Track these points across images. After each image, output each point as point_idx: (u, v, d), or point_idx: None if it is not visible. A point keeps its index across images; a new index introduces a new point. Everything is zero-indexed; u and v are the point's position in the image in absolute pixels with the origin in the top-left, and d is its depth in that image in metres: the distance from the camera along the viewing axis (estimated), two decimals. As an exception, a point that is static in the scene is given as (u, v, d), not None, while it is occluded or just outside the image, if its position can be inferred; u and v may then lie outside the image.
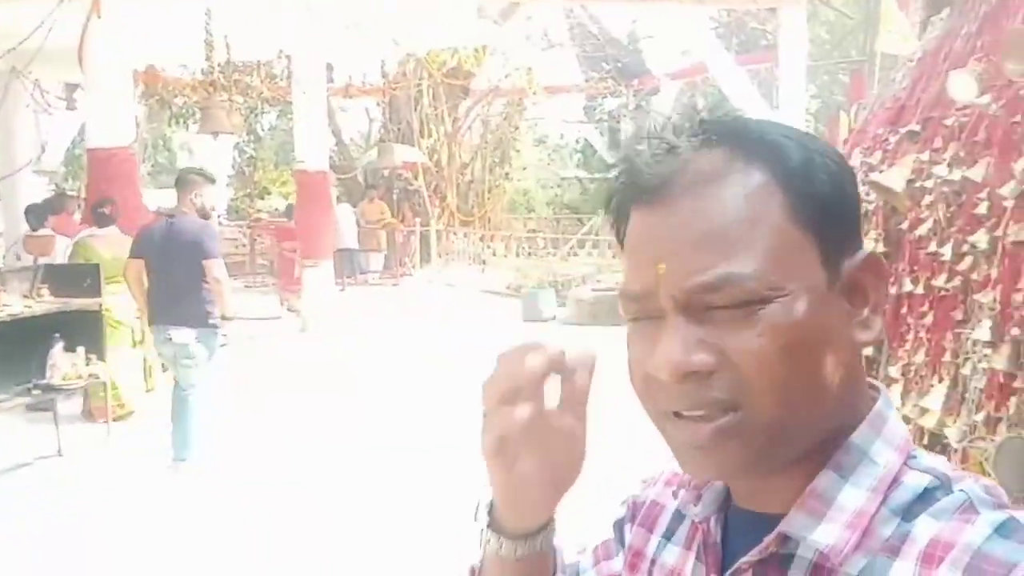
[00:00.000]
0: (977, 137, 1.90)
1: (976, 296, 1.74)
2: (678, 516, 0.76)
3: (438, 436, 5.66)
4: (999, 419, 1.49)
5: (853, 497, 0.61)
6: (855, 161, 6.28)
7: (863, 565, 0.59)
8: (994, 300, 1.53)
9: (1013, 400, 1.46)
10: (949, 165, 1.99)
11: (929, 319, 2.21)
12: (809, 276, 0.61)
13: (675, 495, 0.76)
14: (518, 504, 0.72)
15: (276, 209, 17.77)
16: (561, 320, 11.33)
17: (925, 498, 0.60)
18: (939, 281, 2.06)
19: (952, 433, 1.64)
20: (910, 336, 2.39)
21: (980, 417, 1.55)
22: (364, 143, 20.48)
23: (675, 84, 16.40)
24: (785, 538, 0.62)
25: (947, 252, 1.94)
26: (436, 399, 6.80)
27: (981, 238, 1.71)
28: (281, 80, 14.07)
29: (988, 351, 1.54)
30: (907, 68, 3.69)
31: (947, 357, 1.96)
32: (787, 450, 0.62)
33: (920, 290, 2.28)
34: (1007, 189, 1.41)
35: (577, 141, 22.42)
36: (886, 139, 2.91)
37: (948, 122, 2.19)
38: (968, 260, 1.85)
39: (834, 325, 0.62)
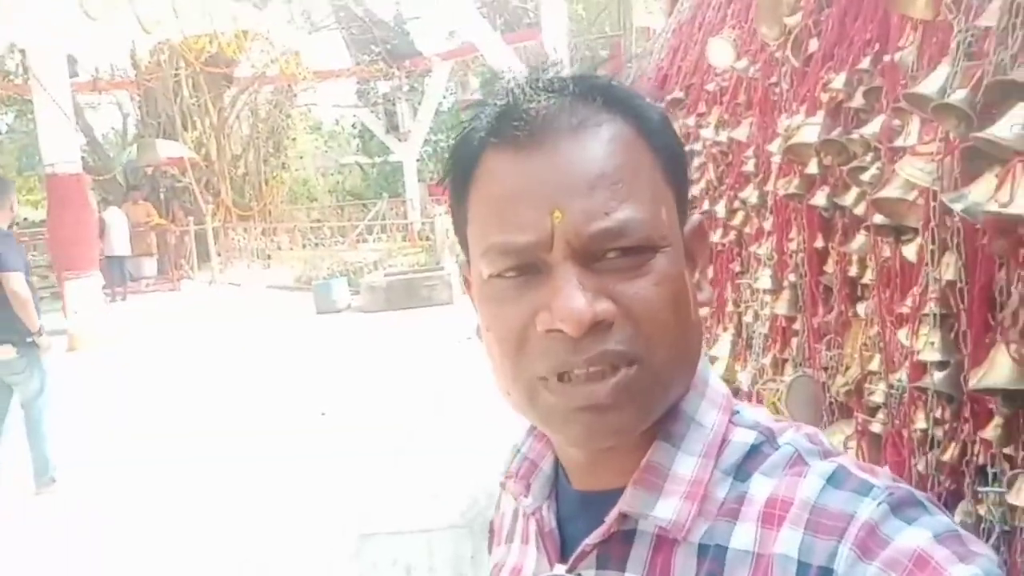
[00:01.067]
0: (739, 100, 2.02)
1: (752, 248, 1.86)
2: (514, 515, 0.74)
3: (246, 444, 5.39)
4: (785, 360, 1.60)
5: (686, 465, 0.60)
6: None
7: (703, 530, 0.58)
8: (770, 251, 1.64)
9: (795, 341, 1.58)
10: (716, 128, 2.12)
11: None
12: (675, 231, 0.60)
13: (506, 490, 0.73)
14: None
15: (26, 219, 16.03)
16: (356, 308, 11.13)
17: (753, 455, 0.60)
18: (715, 237, 2.20)
19: (744, 377, 1.75)
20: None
21: (767, 360, 1.66)
22: (120, 140, 18.94)
23: (446, 64, 16.50)
24: (625, 515, 0.60)
25: (721, 209, 2.07)
26: (231, 401, 6.46)
27: (751, 194, 1.83)
28: (16, 77, 12.63)
29: (769, 299, 1.65)
30: (663, 39, 3.92)
31: (730, 307, 2.10)
32: (662, 408, 0.60)
33: (698, 247, 2.42)
34: (774, 146, 1.51)
35: (353, 126, 22.03)
36: (653, 106, 3.06)
37: (710, 87, 2.34)
38: (740, 215, 1.98)
39: (689, 283, 0.61)
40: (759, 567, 0.55)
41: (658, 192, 0.59)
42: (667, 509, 0.59)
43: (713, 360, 2.17)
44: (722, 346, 2.12)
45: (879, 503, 0.53)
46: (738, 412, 0.63)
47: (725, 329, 2.17)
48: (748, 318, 1.95)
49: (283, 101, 16.92)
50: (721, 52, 2.14)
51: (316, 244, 15.37)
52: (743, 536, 0.56)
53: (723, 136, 2.07)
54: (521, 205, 0.58)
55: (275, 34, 14.34)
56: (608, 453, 0.62)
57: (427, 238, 13.99)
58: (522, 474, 0.70)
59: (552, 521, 0.68)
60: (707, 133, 2.17)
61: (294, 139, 18.46)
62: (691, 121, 2.45)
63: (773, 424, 0.62)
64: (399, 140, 17.88)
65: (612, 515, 0.60)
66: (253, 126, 16.95)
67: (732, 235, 2.07)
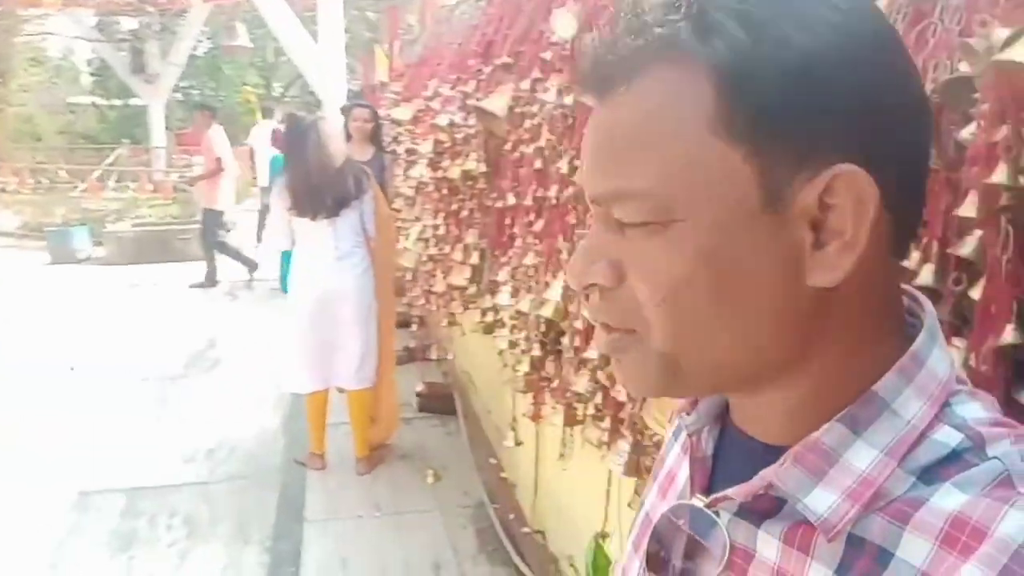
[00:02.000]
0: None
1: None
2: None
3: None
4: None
5: (863, 458, 0.52)
6: (389, 93, 6.62)
7: (860, 520, 0.51)
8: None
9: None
10: (561, 92, 2.32)
11: (539, 226, 2.58)
12: (729, 197, 0.50)
13: None
14: None
15: None
16: (98, 260, 10.25)
17: (951, 461, 0.50)
18: (552, 192, 2.41)
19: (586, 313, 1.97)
20: (517, 243, 2.76)
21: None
22: None
23: (205, 7, 15.44)
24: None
25: (564, 166, 2.28)
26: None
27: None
28: None
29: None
30: (474, 7, 4.09)
31: (564, 256, 2.32)
32: (700, 382, 0.56)
33: (528, 202, 2.63)
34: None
35: (89, 63, 19.96)
36: (479, 70, 3.22)
37: (546, 55, 2.54)
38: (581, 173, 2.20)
39: (762, 257, 0.51)
40: None
41: (698, 153, 0.50)
42: (822, 502, 0.52)
43: (543, 303, 2.41)
44: (554, 291, 2.35)
45: None
46: (950, 405, 0.53)
47: (555, 276, 2.39)
48: (583, 265, 2.18)
49: (13, 25, 14.96)
50: (565, 23, 2.35)
51: (48, 188, 13.84)
52: (914, 548, 0.48)
53: (568, 100, 2.28)
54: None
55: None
56: (758, 405, 0.58)
57: (183, 189, 13.12)
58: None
59: (709, 447, 0.64)
60: (549, 97, 2.36)
61: (26, 70, 16.41)
62: (526, 85, 2.65)
63: (986, 428, 0.51)
64: (146, 83, 16.49)
65: (763, 477, 0.54)
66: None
67: (571, 190, 2.29)
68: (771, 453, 0.55)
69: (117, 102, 19.67)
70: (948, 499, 0.48)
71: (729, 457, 0.63)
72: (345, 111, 5.88)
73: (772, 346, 0.53)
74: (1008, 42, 0.80)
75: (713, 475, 0.63)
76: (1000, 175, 0.82)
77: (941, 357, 0.55)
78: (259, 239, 11.32)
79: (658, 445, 1.81)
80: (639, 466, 1.83)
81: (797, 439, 0.54)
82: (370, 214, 4.02)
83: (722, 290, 0.52)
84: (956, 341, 0.92)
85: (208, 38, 18.24)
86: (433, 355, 4.87)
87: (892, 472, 0.51)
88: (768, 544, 0.55)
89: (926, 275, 0.95)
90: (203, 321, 7.40)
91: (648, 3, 0.53)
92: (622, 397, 1.87)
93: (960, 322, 0.93)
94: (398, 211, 4.89)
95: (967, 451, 0.50)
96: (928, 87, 0.95)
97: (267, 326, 6.84)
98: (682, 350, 0.53)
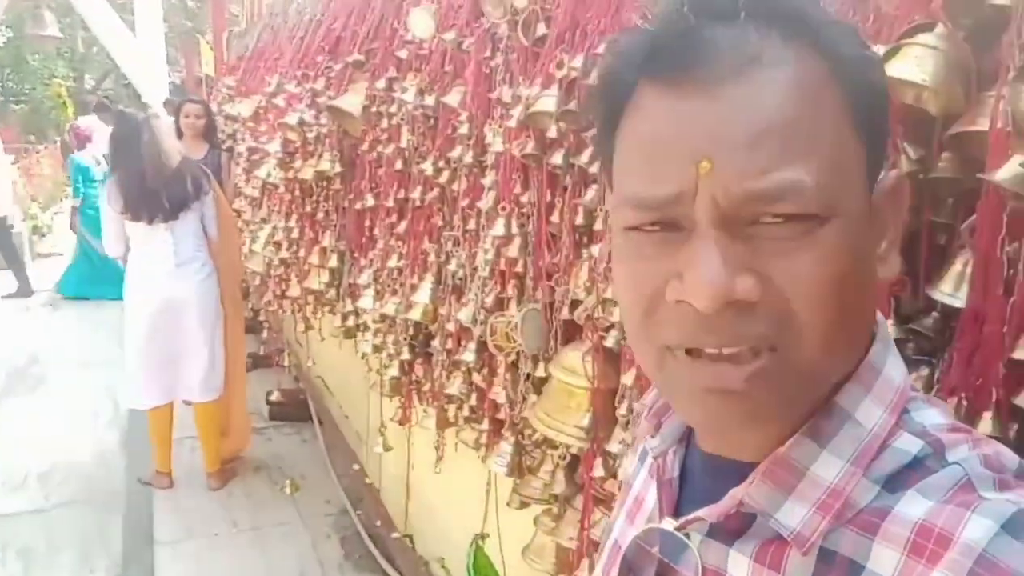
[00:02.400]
0: (445, 68, 2.22)
1: (462, 204, 2.09)
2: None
3: None
4: (508, 298, 1.86)
5: (829, 469, 0.52)
6: (222, 87, 6.34)
7: (829, 533, 0.51)
8: (492, 204, 1.87)
9: (516, 282, 1.84)
10: (421, 92, 2.29)
11: (402, 228, 2.54)
12: (859, 195, 0.51)
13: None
14: None
15: None
16: None
17: (913, 468, 0.51)
18: (415, 194, 2.38)
19: (464, 315, 1.97)
20: (379, 245, 2.71)
21: (490, 299, 1.90)
22: None
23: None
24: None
25: (428, 167, 2.26)
26: None
27: (464, 154, 2.05)
28: None
29: (490, 246, 1.88)
30: (313, 1, 3.96)
31: (432, 258, 2.30)
32: (805, 403, 0.53)
33: (390, 203, 2.59)
34: (515, 112, 1.73)
35: None
36: (328, 67, 3.13)
37: (402, 54, 2.50)
38: (446, 174, 2.19)
39: (870, 257, 0.53)
40: None
41: (842, 149, 0.50)
42: (793, 516, 0.52)
43: (410, 306, 2.38)
44: (422, 293, 2.32)
45: None
46: (908, 412, 0.54)
47: (421, 279, 2.37)
48: (452, 266, 2.17)
49: None
50: (423, 23, 2.32)
51: None
52: (883, 560, 0.48)
53: (430, 100, 2.26)
54: (667, 152, 0.50)
55: None
56: (739, 436, 0.57)
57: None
58: (656, 410, 0.66)
59: (675, 470, 0.63)
60: (408, 97, 2.33)
61: None
62: (381, 84, 2.60)
63: (945, 434, 0.52)
64: (-66, 73, 14.90)
65: (733, 497, 0.54)
66: None
67: (436, 192, 2.27)
68: (739, 469, 0.55)
69: None
70: (913, 507, 0.49)
71: (696, 478, 0.62)
72: (173, 106, 5.54)
73: (858, 350, 0.54)
74: (885, 58, 0.86)
75: (681, 497, 0.62)
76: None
77: (895, 365, 0.56)
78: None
79: (538, 444, 1.83)
80: (521, 466, 1.84)
81: (763, 454, 0.54)
82: (211, 216, 3.79)
83: (861, 291, 0.51)
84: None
85: (8, 27, 16.67)
86: (284, 361, 4.70)
87: (858, 482, 0.51)
88: (739, 564, 0.55)
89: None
90: (21, 335, 6.78)
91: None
92: (501, 399, 1.88)
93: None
94: (240, 212, 4.68)
95: (928, 457, 0.51)
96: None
97: (96, 338, 6.37)
98: (827, 362, 0.51)
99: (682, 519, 0.58)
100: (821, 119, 0.49)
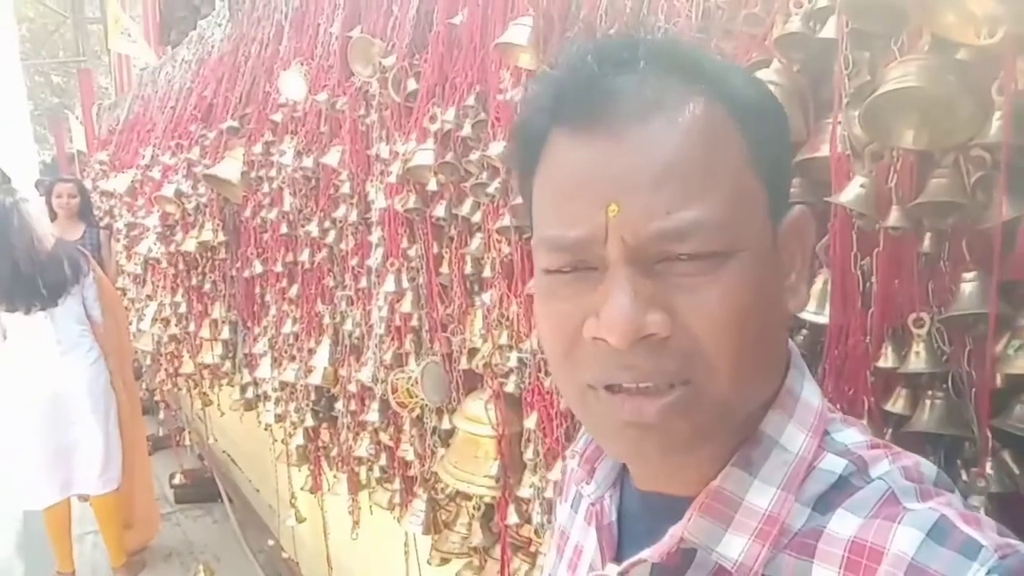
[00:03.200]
0: (321, 129, 2.21)
1: (352, 262, 2.07)
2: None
3: None
4: (407, 353, 1.84)
5: (762, 497, 0.54)
6: (95, 163, 6.15)
7: (769, 560, 0.53)
8: (380, 261, 1.86)
9: (410, 337, 1.83)
10: (299, 154, 2.27)
11: (294, 292, 2.49)
12: (762, 231, 0.53)
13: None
14: None
15: None
16: None
17: (840, 487, 0.53)
18: (304, 256, 2.35)
19: (364, 375, 1.94)
20: (272, 312, 2.65)
21: (389, 356, 1.88)
22: None
23: None
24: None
25: (314, 229, 2.23)
26: None
27: (348, 212, 2.03)
28: None
29: (383, 303, 1.87)
30: (183, 70, 3.89)
31: (327, 320, 2.27)
32: (726, 429, 0.55)
33: (279, 268, 2.54)
34: (394, 167, 1.74)
35: None
36: (203, 135, 3.07)
37: (276, 117, 2.48)
38: (332, 234, 2.17)
39: (776, 290, 0.55)
40: None
41: (742, 187, 0.51)
42: (734, 547, 0.53)
43: (310, 370, 2.33)
44: (321, 356, 2.28)
45: (989, 571, 0.46)
46: (829, 434, 0.56)
47: (318, 342, 2.33)
48: (348, 326, 2.15)
49: None
50: (294, 85, 2.31)
51: None
52: None
53: (308, 162, 2.24)
54: (577, 196, 0.52)
55: None
56: (665, 468, 0.58)
57: None
58: (588, 456, 0.66)
59: (613, 514, 0.64)
60: (287, 160, 2.31)
61: None
62: (258, 148, 2.56)
63: (866, 451, 0.55)
64: None
65: (673, 536, 0.55)
66: None
67: (324, 252, 2.25)
68: (675, 505, 0.56)
69: None
70: (843, 525, 0.51)
71: (634, 520, 0.63)
72: (44, 187, 5.31)
73: (771, 380, 0.56)
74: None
75: (621, 541, 0.63)
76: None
77: (811, 389, 0.58)
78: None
79: (452, 498, 1.81)
80: (436, 521, 1.82)
81: (698, 486, 0.55)
82: (93, 298, 3.62)
83: (766, 324, 0.53)
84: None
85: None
86: (186, 440, 4.51)
87: (791, 507, 0.53)
88: None
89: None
90: None
91: (634, 49, 0.53)
92: (409, 456, 1.86)
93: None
94: (125, 291, 4.50)
95: (852, 475, 0.53)
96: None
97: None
98: (738, 394, 0.52)
99: (625, 563, 0.58)
100: (720, 160, 0.51)
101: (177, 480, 4.64)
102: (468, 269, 1.65)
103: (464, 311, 1.68)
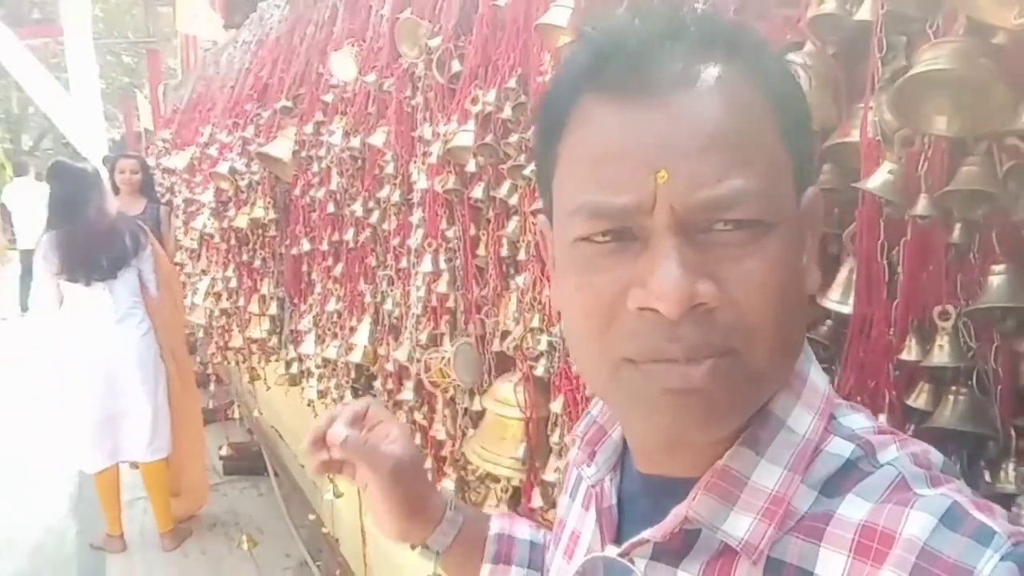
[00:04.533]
0: (369, 110, 2.23)
1: (394, 242, 2.09)
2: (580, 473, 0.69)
3: None
4: (441, 334, 1.85)
5: (769, 476, 0.53)
6: (158, 140, 6.30)
7: (775, 543, 0.52)
8: (420, 241, 1.87)
9: (447, 317, 1.84)
10: (347, 134, 2.30)
11: (339, 271, 2.53)
12: (791, 205, 0.53)
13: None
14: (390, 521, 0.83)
15: None
16: None
17: (848, 471, 0.53)
18: (349, 236, 2.38)
19: (400, 354, 1.96)
20: (317, 290, 2.69)
21: (424, 336, 1.89)
22: None
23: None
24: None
25: (358, 209, 2.25)
26: None
27: (392, 193, 2.05)
28: None
29: (421, 282, 1.88)
30: (243, 51, 3.97)
31: (369, 299, 2.29)
32: (756, 406, 0.54)
33: (325, 247, 2.58)
34: (435, 148, 1.75)
35: None
36: (257, 114, 3.13)
37: (327, 98, 2.51)
38: (376, 214, 2.19)
39: (801, 266, 0.55)
40: None
41: (777, 159, 0.52)
42: (740, 526, 0.53)
43: (351, 348, 2.36)
44: (361, 335, 2.31)
45: (1003, 557, 0.45)
46: (836, 418, 0.56)
47: (360, 320, 2.36)
48: (388, 306, 2.17)
49: None
50: (345, 66, 2.34)
51: None
52: (831, 564, 0.50)
53: (355, 142, 2.26)
54: (622, 161, 0.50)
55: None
56: (687, 445, 0.56)
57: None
58: (589, 439, 0.66)
59: (613, 497, 0.64)
60: (335, 140, 2.33)
61: None
62: (309, 128, 2.60)
63: (873, 436, 0.55)
64: None
65: (677, 515, 0.55)
66: None
67: (368, 232, 2.27)
68: (679, 487, 0.56)
69: None
70: (854, 509, 0.50)
71: (635, 503, 0.62)
72: (109, 163, 5.47)
73: (797, 358, 0.56)
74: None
75: (621, 524, 0.62)
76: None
77: (818, 374, 0.58)
78: (23, 307, 10.28)
79: (481, 479, 1.82)
80: (466, 502, 1.83)
81: (703, 468, 0.55)
82: (149, 272, 3.75)
83: (799, 297, 0.53)
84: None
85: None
86: (235, 414, 4.62)
87: (797, 488, 0.53)
88: None
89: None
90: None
91: (682, 20, 0.54)
92: (441, 436, 1.87)
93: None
94: (182, 265, 4.62)
95: (861, 460, 0.53)
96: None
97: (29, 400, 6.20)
98: (776, 365, 0.53)
99: (626, 543, 0.58)
100: (760, 131, 0.51)
101: (224, 452, 4.76)
102: (504, 251, 1.65)
103: (499, 293, 1.68)
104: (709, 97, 0.50)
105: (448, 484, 1.83)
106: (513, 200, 1.57)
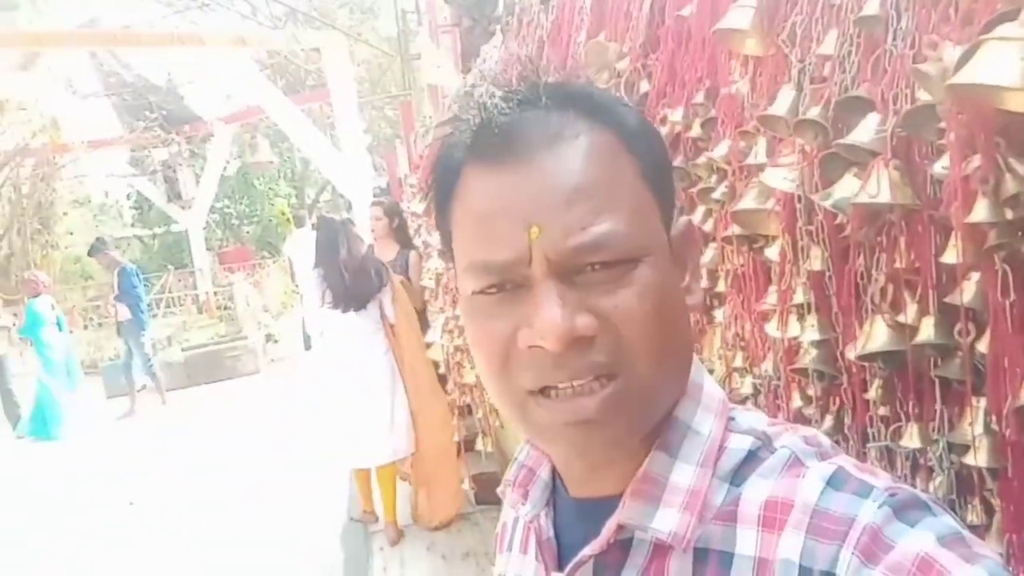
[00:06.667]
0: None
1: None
2: (514, 524, 0.75)
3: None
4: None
5: (684, 474, 0.60)
6: (406, 186, 6.67)
7: (699, 534, 0.58)
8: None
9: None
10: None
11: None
12: (659, 238, 0.60)
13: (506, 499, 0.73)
14: None
15: None
16: (153, 388, 10.40)
17: (750, 460, 0.60)
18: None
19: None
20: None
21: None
22: None
23: (229, 128, 15.99)
24: (623, 526, 0.60)
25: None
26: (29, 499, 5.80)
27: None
28: None
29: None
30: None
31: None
32: (652, 419, 0.61)
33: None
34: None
35: (128, 196, 20.68)
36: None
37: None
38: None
39: (678, 289, 0.62)
40: (762, 572, 0.55)
41: (640, 200, 0.59)
42: (666, 521, 0.58)
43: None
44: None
45: (880, 505, 0.52)
46: (734, 418, 0.63)
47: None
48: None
49: (49, 174, 15.63)
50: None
51: (99, 324, 14.22)
52: (746, 541, 0.56)
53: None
54: (498, 222, 0.57)
55: (35, 103, 13.31)
56: (605, 462, 0.62)
57: (224, 307, 13.37)
58: (520, 482, 0.71)
59: (550, 529, 0.68)
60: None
61: (65, 214, 17.04)
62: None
63: (769, 428, 0.62)
64: (182, 208, 16.98)
65: (610, 526, 0.60)
66: (16, 203, 15.52)
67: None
68: (608, 506, 0.61)
69: (158, 230, 20.28)
70: (755, 489, 0.58)
71: (570, 530, 0.67)
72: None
73: (684, 372, 0.63)
74: (960, 63, 0.70)
75: (560, 554, 0.67)
76: (980, 212, 0.71)
77: (711, 382, 0.65)
78: (306, 346, 11.43)
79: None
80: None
81: (628, 481, 0.61)
82: (389, 303, 4.45)
83: (676, 318, 0.60)
84: (975, 400, 0.80)
85: (237, 157, 18.77)
86: (481, 445, 4.74)
87: (710, 482, 0.60)
88: None
89: (928, 330, 0.83)
90: (262, 442, 7.38)
91: (536, 88, 0.60)
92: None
93: (976, 378, 0.81)
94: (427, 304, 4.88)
95: (760, 449, 0.60)
96: (890, 121, 0.85)
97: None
98: (661, 381, 0.59)
99: (568, 566, 0.63)
100: (619, 178, 0.58)
101: (473, 482, 4.89)
102: (703, 282, 1.50)
103: (701, 328, 1.54)
104: (570, 153, 0.57)
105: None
106: (708, 227, 1.43)
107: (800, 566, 0.52)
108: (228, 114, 16.10)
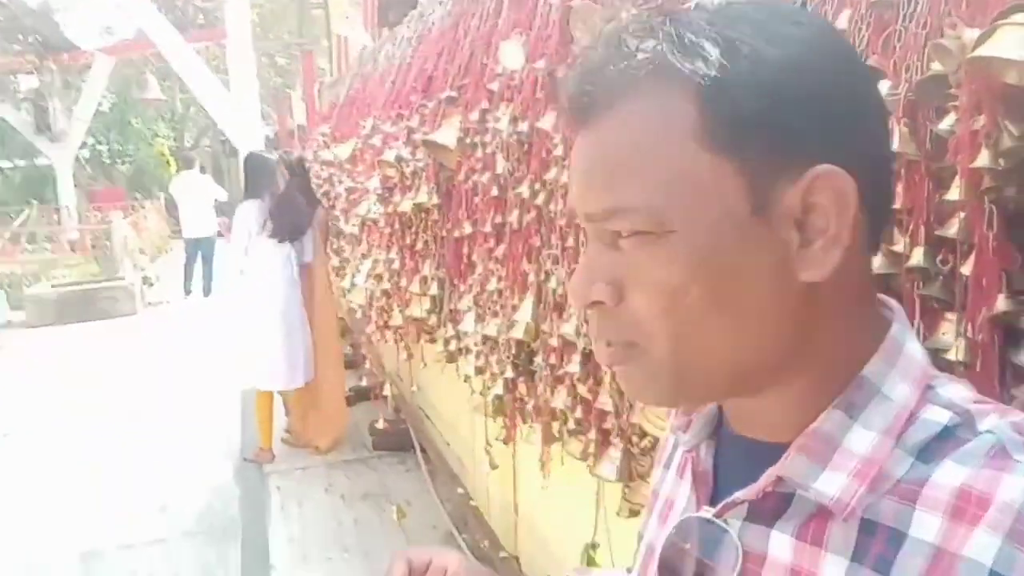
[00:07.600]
0: (537, 95, 2.32)
1: (562, 221, 2.16)
2: (676, 444, 0.72)
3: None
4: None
5: (862, 440, 0.55)
6: (317, 135, 6.65)
7: (867, 504, 0.53)
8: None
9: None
10: (515, 120, 2.39)
11: (501, 252, 2.63)
12: (719, 205, 0.53)
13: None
14: None
15: None
16: (19, 324, 9.85)
17: (945, 438, 0.53)
18: (512, 218, 2.47)
19: (568, 328, 2.03)
20: (478, 270, 2.81)
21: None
22: None
23: (109, 60, 15.09)
24: (782, 479, 0.57)
25: (524, 191, 2.34)
26: None
27: (559, 175, 2.13)
28: None
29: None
30: (403, 46, 4.16)
31: (532, 278, 2.38)
32: (707, 386, 0.59)
33: (487, 229, 2.69)
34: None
35: (-12, 123, 19.19)
36: (422, 105, 3.28)
37: (493, 86, 2.62)
38: (543, 195, 2.27)
39: (755, 259, 0.54)
40: (939, 564, 0.49)
41: (687, 166, 0.53)
42: (832, 484, 0.54)
43: (512, 325, 2.46)
44: (524, 312, 2.40)
45: None
46: (933, 387, 0.57)
47: (522, 299, 2.45)
48: (552, 284, 2.24)
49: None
50: (514, 55, 2.43)
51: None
52: (926, 525, 0.51)
53: (523, 127, 2.35)
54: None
55: None
56: (759, 405, 0.60)
57: (95, 247, 12.73)
58: (685, 407, 0.69)
59: (708, 461, 0.66)
60: (503, 125, 2.43)
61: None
62: (475, 116, 2.72)
63: (972, 405, 0.55)
64: (51, 141, 15.91)
65: (769, 475, 0.57)
66: None
67: (533, 213, 2.36)
68: (773, 451, 0.58)
69: (20, 163, 18.95)
70: (951, 474, 0.51)
71: (730, 466, 0.64)
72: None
73: (770, 344, 0.56)
74: (979, 41, 0.90)
75: (715, 490, 0.64)
76: (983, 160, 0.91)
77: (915, 345, 0.59)
78: (186, 290, 11.08)
79: (646, 451, 1.87)
80: (631, 471, 1.88)
81: (797, 432, 0.57)
82: (309, 241, 4.87)
83: (720, 295, 0.54)
84: (949, 315, 1.01)
85: (113, 92, 17.77)
86: (386, 391, 4.85)
87: (891, 452, 0.54)
88: (781, 544, 0.57)
89: (918, 256, 1.03)
90: (139, 378, 7.18)
91: (625, 29, 0.56)
92: (608, 407, 1.93)
93: (950, 298, 1.02)
94: (340, 251, 4.99)
95: (959, 427, 0.53)
96: (902, 87, 1.04)
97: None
98: (685, 358, 0.56)
99: (720, 504, 0.61)
100: (657, 146, 0.54)
101: (379, 426, 5.02)
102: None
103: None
104: (611, 121, 0.56)
105: (614, 452, 1.89)
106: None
107: (991, 571, 0.47)
108: (110, 45, 15.20)
